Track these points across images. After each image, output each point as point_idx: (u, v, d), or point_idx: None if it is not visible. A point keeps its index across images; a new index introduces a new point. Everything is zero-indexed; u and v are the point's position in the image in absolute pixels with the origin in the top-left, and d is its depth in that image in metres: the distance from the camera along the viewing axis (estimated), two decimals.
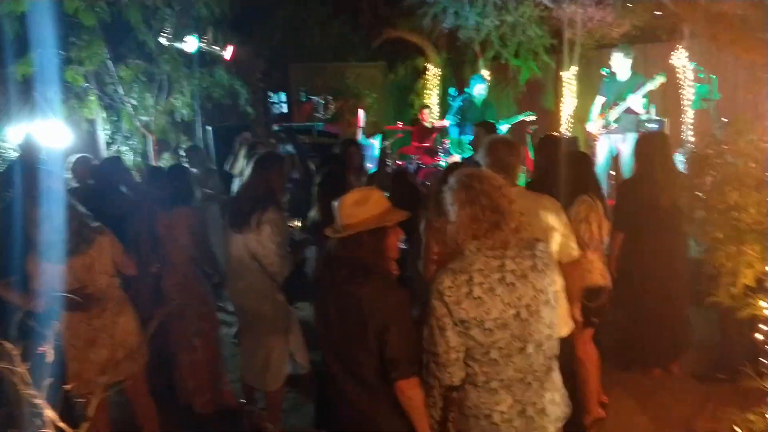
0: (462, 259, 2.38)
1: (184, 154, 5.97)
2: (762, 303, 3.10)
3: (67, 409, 2.46)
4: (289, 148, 8.26)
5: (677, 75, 8.80)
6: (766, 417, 3.16)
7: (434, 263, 3.57)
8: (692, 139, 8.10)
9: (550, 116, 10.78)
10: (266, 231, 3.90)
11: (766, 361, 3.15)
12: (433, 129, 9.83)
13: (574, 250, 3.40)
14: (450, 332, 2.34)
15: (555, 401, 2.49)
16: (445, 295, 2.33)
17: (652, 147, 4.55)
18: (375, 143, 9.34)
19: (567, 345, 3.44)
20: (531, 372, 2.40)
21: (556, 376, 2.52)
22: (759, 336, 3.16)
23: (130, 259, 3.87)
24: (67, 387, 2.44)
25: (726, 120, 5.67)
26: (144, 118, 8.43)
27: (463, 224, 2.37)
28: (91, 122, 8.27)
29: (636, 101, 7.34)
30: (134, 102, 8.31)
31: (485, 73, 10.88)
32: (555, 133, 8.85)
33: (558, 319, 3.29)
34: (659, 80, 7.34)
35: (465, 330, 2.34)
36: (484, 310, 2.31)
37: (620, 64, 7.48)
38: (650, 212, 4.44)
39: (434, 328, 2.37)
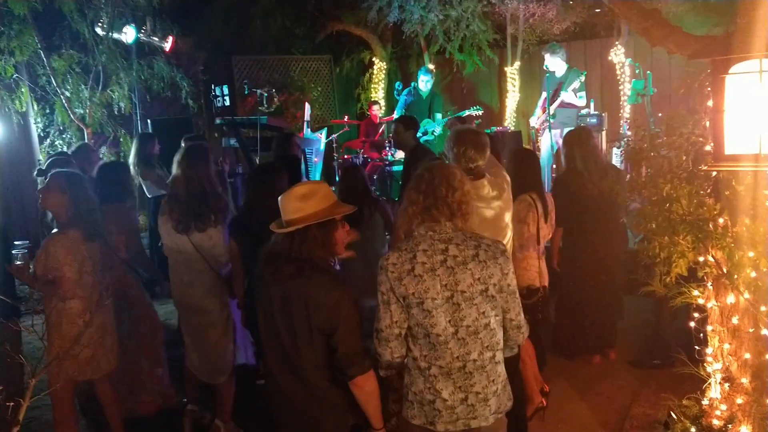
0: (411, 239, 2.50)
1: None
2: (694, 292, 3.20)
3: None
4: (233, 141, 8.12)
5: (616, 70, 9.05)
6: (700, 402, 3.27)
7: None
8: (629, 133, 8.33)
9: (494, 110, 10.93)
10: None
11: (699, 348, 3.25)
12: (380, 124, 9.81)
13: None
14: (394, 306, 2.45)
15: (497, 393, 2.52)
16: (389, 271, 2.46)
17: (574, 141, 4.68)
18: (321, 137, 9.26)
19: None
20: (470, 360, 2.44)
21: (501, 369, 2.55)
22: (692, 323, 3.26)
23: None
24: None
25: (660, 114, 5.84)
26: (79, 111, 8.12)
27: (420, 209, 2.49)
28: (23, 115, 7.93)
29: (569, 97, 7.54)
30: (68, 94, 8.00)
31: (430, 66, 10.94)
32: (501, 128, 8.99)
33: None
34: (581, 78, 7.59)
35: (406, 307, 2.45)
36: (423, 288, 2.41)
37: (552, 62, 7.66)
38: (580, 204, 4.57)
39: (380, 303, 2.48)
